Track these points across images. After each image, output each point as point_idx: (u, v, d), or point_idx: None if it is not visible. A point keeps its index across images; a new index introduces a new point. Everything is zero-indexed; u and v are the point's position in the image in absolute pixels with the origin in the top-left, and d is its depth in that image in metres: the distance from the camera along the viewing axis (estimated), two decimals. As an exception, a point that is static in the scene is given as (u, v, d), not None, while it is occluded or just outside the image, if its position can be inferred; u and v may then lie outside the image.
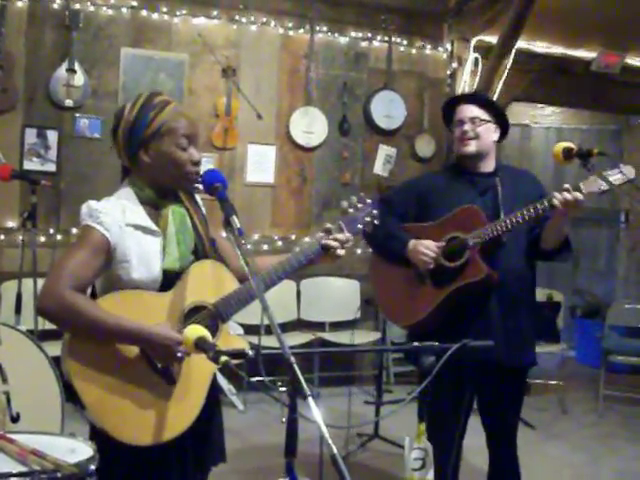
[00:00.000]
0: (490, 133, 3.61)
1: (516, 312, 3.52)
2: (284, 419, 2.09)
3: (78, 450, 2.19)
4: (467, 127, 3.57)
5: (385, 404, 6.05)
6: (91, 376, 2.37)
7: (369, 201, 2.79)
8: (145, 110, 2.52)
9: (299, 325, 7.11)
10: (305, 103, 7.26)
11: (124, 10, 6.64)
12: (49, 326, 4.74)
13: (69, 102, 6.37)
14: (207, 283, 2.55)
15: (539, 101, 8.93)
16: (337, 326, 7.13)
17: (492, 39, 7.40)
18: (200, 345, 2.10)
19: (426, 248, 3.49)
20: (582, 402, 7.16)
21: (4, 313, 5.05)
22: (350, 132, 7.46)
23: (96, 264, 2.43)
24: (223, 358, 2.02)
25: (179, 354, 2.38)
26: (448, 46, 7.81)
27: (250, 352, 2.22)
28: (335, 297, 7.23)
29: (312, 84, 7.29)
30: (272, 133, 7.21)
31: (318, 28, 7.27)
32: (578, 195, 3.21)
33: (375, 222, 2.80)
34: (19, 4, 6.30)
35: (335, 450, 1.73)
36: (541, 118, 9.90)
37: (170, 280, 2.50)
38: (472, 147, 3.58)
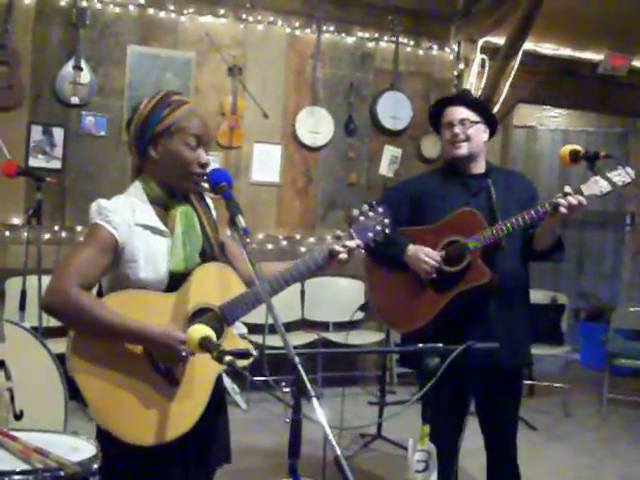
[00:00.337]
0: (480, 134, 3.60)
1: (513, 313, 3.52)
2: (288, 419, 2.09)
3: (81, 448, 2.19)
4: (457, 129, 3.55)
5: (388, 405, 6.05)
6: (94, 374, 2.37)
7: (381, 210, 2.77)
8: (160, 107, 2.53)
9: (303, 325, 7.11)
10: (311, 103, 7.25)
11: (131, 8, 6.65)
12: (53, 323, 4.75)
13: (75, 99, 6.38)
14: (214, 285, 2.54)
15: (546, 103, 8.92)
16: (341, 326, 7.12)
17: (499, 40, 7.39)
18: (204, 344, 2.09)
19: (427, 256, 3.46)
20: (586, 405, 7.14)
21: (8, 310, 5.06)
22: (356, 132, 7.46)
23: (103, 262, 2.43)
24: (227, 358, 2.01)
25: (183, 354, 2.37)
26: (455, 47, 7.80)
27: (254, 352, 2.21)
28: (339, 297, 7.22)
29: (318, 84, 7.28)
30: (278, 132, 7.21)
31: (325, 28, 7.27)
32: (582, 199, 3.20)
33: (386, 231, 2.78)
34: (26, 1, 6.31)
35: (339, 451, 1.73)
36: (547, 120, 9.89)
37: (176, 281, 2.50)
38: (464, 149, 3.56)
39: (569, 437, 6.22)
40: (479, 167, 3.63)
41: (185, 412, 2.46)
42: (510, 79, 7.23)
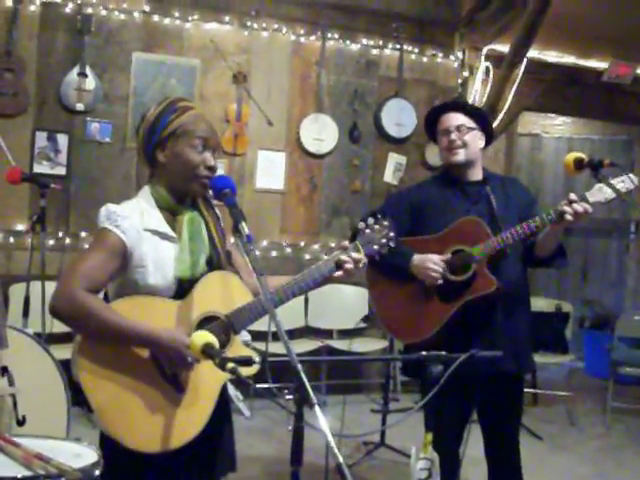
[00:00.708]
0: (477, 140, 3.59)
1: (517, 320, 3.52)
2: (290, 427, 2.09)
3: (83, 455, 2.19)
4: (454, 136, 3.55)
5: (392, 412, 6.03)
6: (100, 378, 2.37)
7: (386, 223, 2.78)
8: (166, 112, 2.56)
9: (307, 332, 7.09)
10: (316, 110, 7.26)
11: (136, 15, 6.66)
12: (57, 329, 4.74)
13: (80, 106, 6.38)
14: (221, 294, 2.54)
15: (550, 111, 8.93)
16: (345, 334, 7.11)
17: (504, 48, 7.39)
18: (207, 351, 2.09)
19: (434, 263, 3.45)
20: (590, 414, 7.12)
21: (12, 316, 5.05)
22: (360, 140, 7.46)
23: (111, 267, 2.43)
24: (229, 365, 2.01)
25: (189, 359, 2.37)
26: (459, 55, 7.80)
27: (256, 359, 2.21)
28: (343, 305, 7.20)
29: (323, 91, 7.29)
30: (282, 139, 7.21)
31: (329, 35, 7.27)
32: (588, 207, 3.20)
33: (391, 244, 2.78)
34: (31, 8, 6.32)
35: (341, 459, 1.72)
36: (552, 128, 9.88)
37: (184, 288, 2.50)
38: (461, 156, 3.56)
39: (574, 446, 6.20)
40: (476, 174, 3.63)
41: (191, 420, 2.46)
42: (514, 87, 7.23)
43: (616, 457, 5.96)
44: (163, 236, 2.51)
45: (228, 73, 6.90)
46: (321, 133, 7.25)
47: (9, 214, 6.25)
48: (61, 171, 6.41)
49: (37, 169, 6.31)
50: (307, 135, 7.22)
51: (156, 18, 6.72)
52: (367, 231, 2.75)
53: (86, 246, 6.25)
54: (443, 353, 2.47)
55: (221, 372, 2.06)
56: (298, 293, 2.64)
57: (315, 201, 7.36)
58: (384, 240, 2.76)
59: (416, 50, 7.66)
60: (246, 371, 2.20)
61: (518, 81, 7.20)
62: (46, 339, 4.76)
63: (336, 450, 1.74)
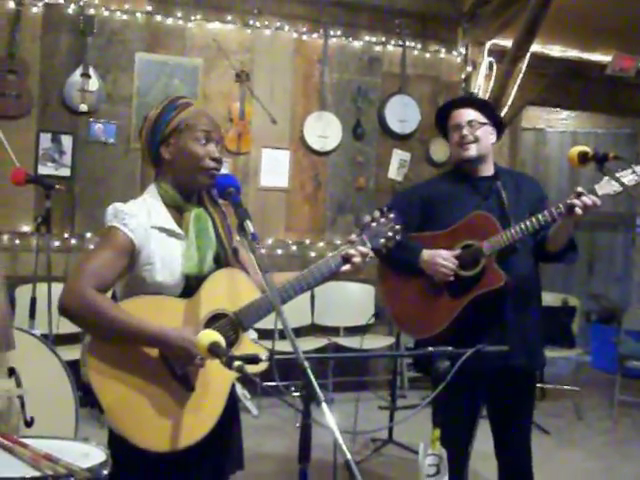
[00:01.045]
0: (488, 135, 3.58)
1: (527, 315, 3.50)
2: (298, 424, 2.09)
3: (91, 455, 2.18)
4: (466, 131, 3.53)
5: (399, 409, 6.03)
6: (110, 378, 2.37)
7: (392, 215, 2.77)
8: (168, 109, 2.58)
9: (313, 330, 7.10)
10: (319, 108, 7.26)
11: (138, 15, 6.67)
12: (63, 330, 4.75)
13: (84, 107, 6.39)
14: (228, 291, 2.54)
15: (554, 105, 8.91)
16: (351, 331, 7.11)
17: (507, 43, 7.38)
18: (213, 350, 2.09)
19: (444, 259, 3.44)
20: (597, 408, 7.12)
21: (19, 317, 5.06)
22: (364, 136, 7.46)
23: (119, 265, 2.43)
24: (236, 363, 2.00)
25: (198, 358, 2.37)
26: (462, 50, 7.79)
27: (263, 357, 2.21)
28: (349, 302, 7.21)
29: (326, 89, 7.29)
30: (286, 138, 7.22)
31: (332, 32, 7.28)
32: (596, 199, 3.19)
33: (397, 237, 2.78)
34: (34, 10, 6.34)
35: (349, 456, 1.72)
36: (556, 122, 9.87)
37: (192, 285, 2.50)
38: (473, 151, 3.54)
39: (581, 440, 6.20)
40: (488, 169, 3.61)
41: (201, 418, 2.46)
42: (518, 81, 7.22)
43: (623, 451, 5.96)
44: (170, 233, 2.52)
45: (231, 72, 6.91)
46: (325, 130, 7.25)
47: (14, 216, 6.27)
48: (66, 172, 6.43)
49: (42, 170, 6.33)
50: (311, 133, 7.23)
51: (158, 18, 6.74)
52: (373, 224, 2.75)
53: (92, 246, 6.26)
54: (450, 349, 2.46)
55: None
56: (306, 289, 2.63)
57: (320, 199, 7.36)
58: (390, 233, 2.76)
59: (419, 46, 7.66)
60: (253, 369, 2.20)
61: (521, 75, 7.20)
62: (53, 340, 4.78)
63: (344, 447, 1.73)
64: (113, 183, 6.54)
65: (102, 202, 5.98)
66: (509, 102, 7.27)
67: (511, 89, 7.25)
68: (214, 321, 2.50)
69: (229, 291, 2.54)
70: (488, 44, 7.66)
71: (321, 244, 7.30)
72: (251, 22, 7.03)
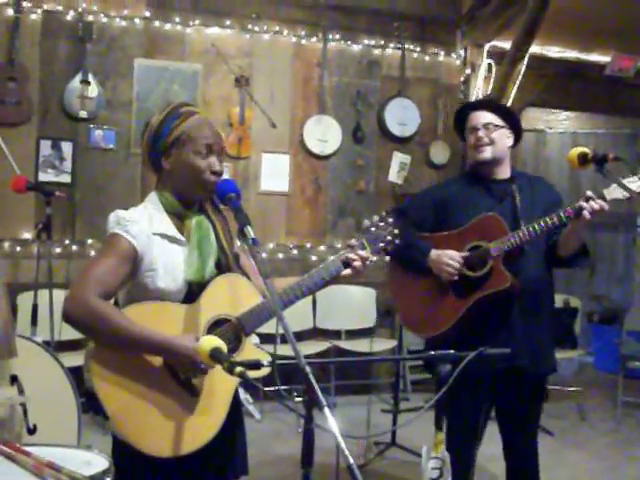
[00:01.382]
0: (504, 139, 3.59)
1: (537, 319, 3.50)
2: (301, 428, 2.09)
3: (94, 462, 2.18)
4: (481, 133, 3.55)
5: (402, 412, 6.03)
6: (115, 384, 2.38)
7: (391, 220, 2.78)
8: (170, 118, 2.56)
9: (315, 334, 7.10)
10: (319, 111, 7.26)
11: (137, 21, 6.67)
12: (65, 337, 4.75)
13: (83, 113, 6.40)
14: (230, 296, 2.54)
15: (553, 106, 8.91)
16: (353, 334, 7.11)
17: (505, 44, 7.39)
18: (215, 356, 2.09)
19: (450, 259, 3.46)
20: (600, 409, 7.11)
21: (20, 324, 5.07)
22: (364, 140, 7.46)
23: (122, 272, 2.44)
24: (238, 369, 2.00)
25: (202, 365, 2.37)
26: (461, 52, 7.79)
27: (265, 363, 2.21)
28: (351, 305, 7.21)
29: (325, 92, 7.29)
30: (286, 142, 7.22)
31: (331, 36, 7.28)
32: (604, 204, 3.19)
33: (396, 241, 2.79)
34: (33, 16, 6.34)
35: (352, 460, 1.72)
36: (556, 123, 9.87)
37: (194, 291, 2.51)
38: (487, 153, 3.55)
39: (585, 442, 6.19)
40: (504, 172, 3.62)
41: (205, 424, 2.46)
42: (517, 83, 7.22)
43: (627, 452, 5.95)
44: (172, 240, 2.52)
45: (230, 77, 6.91)
46: (325, 134, 7.25)
47: (15, 223, 6.27)
48: (66, 179, 6.43)
49: (42, 177, 6.33)
50: (311, 137, 7.23)
51: (157, 24, 6.74)
52: (373, 229, 2.76)
53: (92, 253, 6.27)
54: (451, 352, 2.46)
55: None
56: (307, 293, 2.64)
57: (320, 202, 7.36)
58: (389, 237, 2.77)
59: (418, 49, 7.66)
60: (256, 374, 2.20)
61: (521, 77, 7.19)
62: (55, 347, 4.77)
63: (346, 452, 1.73)
64: (113, 189, 6.54)
65: (103, 208, 5.99)
66: (509, 104, 7.26)
67: (510, 91, 7.25)
68: (216, 327, 2.50)
69: (231, 297, 2.54)
70: (487, 46, 7.66)
71: (322, 248, 7.29)
72: (250, 27, 7.03)
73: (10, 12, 6.23)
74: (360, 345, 6.73)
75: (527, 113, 8.60)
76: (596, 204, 3.19)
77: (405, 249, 3.47)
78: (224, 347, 2.12)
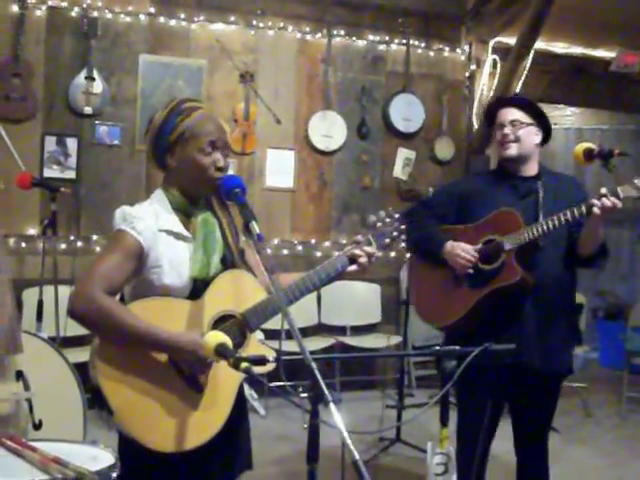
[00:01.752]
0: (531, 136, 3.57)
1: (552, 317, 3.48)
2: (306, 424, 2.09)
3: (100, 458, 2.19)
4: (507, 130, 3.55)
5: (407, 408, 6.03)
6: (120, 380, 2.38)
7: (397, 216, 2.79)
8: (172, 115, 2.54)
9: (320, 329, 7.10)
10: (323, 107, 7.26)
11: (142, 17, 6.67)
12: (70, 333, 4.76)
13: (88, 109, 6.40)
14: (235, 292, 2.54)
15: (558, 102, 8.88)
16: (358, 330, 7.11)
17: (510, 40, 7.38)
18: (220, 351, 2.09)
19: (464, 251, 3.49)
20: (605, 405, 7.10)
21: (26, 320, 5.07)
22: (369, 136, 7.45)
23: (128, 268, 2.43)
24: (243, 364, 2.01)
25: (208, 361, 2.37)
26: (466, 48, 7.79)
27: (270, 358, 2.21)
28: (356, 301, 7.21)
29: (330, 88, 7.28)
30: (291, 137, 7.22)
31: (335, 32, 7.27)
32: (617, 201, 3.18)
33: (402, 237, 2.79)
34: (38, 13, 6.35)
35: (357, 456, 1.72)
36: (561, 119, 9.85)
37: (199, 287, 2.50)
38: (513, 150, 3.54)
39: (590, 438, 6.19)
40: (530, 169, 3.61)
41: (210, 419, 2.46)
42: (522, 79, 7.22)
43: (632, 448, 5.94)
44: (178, 236, 2.52)
45: (235, 73, 6.91)
46: (329, 130, 7.25)
47: (20, 219, 6.27)
48: (71, 175, 6.44)
49: (47, 173, 6.34)
50: (315, 132, 7.23)
51: (162, 20, 6.74)
52: (379, 224, 2.76)
53: (98, 249, 6.27)
54: (457, 347, 2.46)
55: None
56: (312, 289, 2.64)
57: (325, 198, 7.36)
58: (395, 233, 2.77)
59: (423, 44, 7.65)
60: (261, 369, 2.20)
61: (526, 73, 7.19)
62: (60, 343, 4.78)
63: (352, 447, 1.74)
64: (118, 185, 6.54)
65: (108, 204, 5.99)
66: (513, 100, 7.26)
67: (515, 86, 7.25)
68: (221, 322, 2.50)
69: (236, 292, 2.54)
70: (492, 42, 7.66)
71: (327, 244, 7.29)
72: (254, 22, 7.03)
73: (15, 8, 6.23)
74: (365, 341, 6.74)
75: (532, 109, 8.58)
76: (608, 201, 3.18)
77: (423, 241, 3.64)
78: (229, 343, 2.13)
